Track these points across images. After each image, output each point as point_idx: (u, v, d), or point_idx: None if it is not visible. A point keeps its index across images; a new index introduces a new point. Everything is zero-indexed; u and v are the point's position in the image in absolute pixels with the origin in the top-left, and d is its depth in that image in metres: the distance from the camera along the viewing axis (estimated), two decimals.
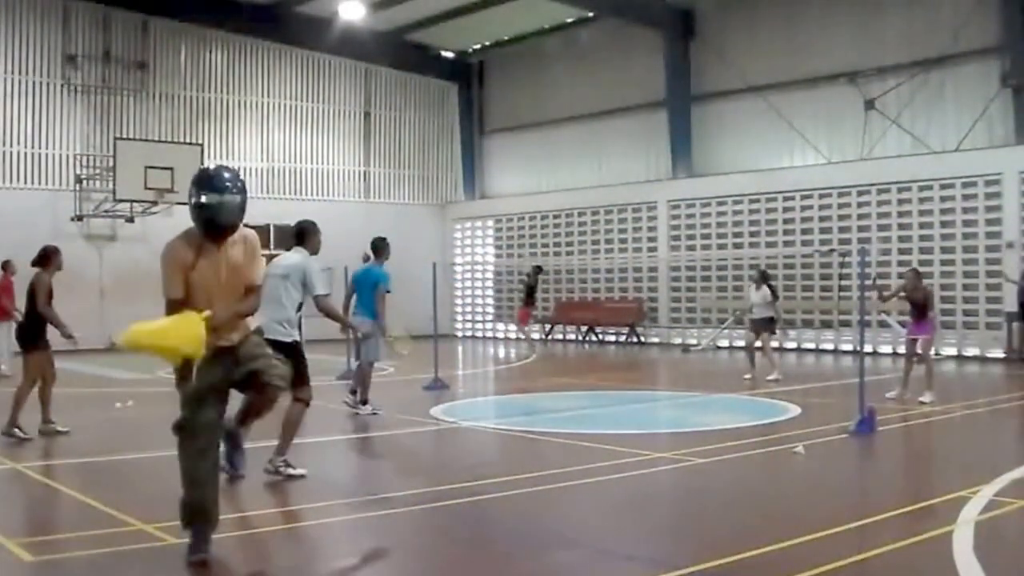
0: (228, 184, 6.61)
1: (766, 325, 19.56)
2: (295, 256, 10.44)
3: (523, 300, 28.93)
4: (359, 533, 7.63)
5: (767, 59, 28.67)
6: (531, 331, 28.93)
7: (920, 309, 15.68)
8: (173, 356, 6.50)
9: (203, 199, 6.53)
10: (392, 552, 7.02)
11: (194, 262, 6.63)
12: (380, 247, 14.63)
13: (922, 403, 14.81)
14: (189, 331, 6.40)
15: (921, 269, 19.44)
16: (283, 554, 6.70)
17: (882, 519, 7.94)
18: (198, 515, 6.60)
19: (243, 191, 6.68)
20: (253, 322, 7.05)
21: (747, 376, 19.25)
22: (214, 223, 6.57)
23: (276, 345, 8.80)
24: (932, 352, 15.93)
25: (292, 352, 9.32)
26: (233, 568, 6.82)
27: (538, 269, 29.58)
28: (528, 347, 27.71)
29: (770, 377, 18.78)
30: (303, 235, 10.66)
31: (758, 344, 19.44)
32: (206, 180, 6.62)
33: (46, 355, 12.59)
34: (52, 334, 12.55)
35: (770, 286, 19.71)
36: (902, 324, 24.79)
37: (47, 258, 12.46)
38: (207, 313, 6.47)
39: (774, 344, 20.37)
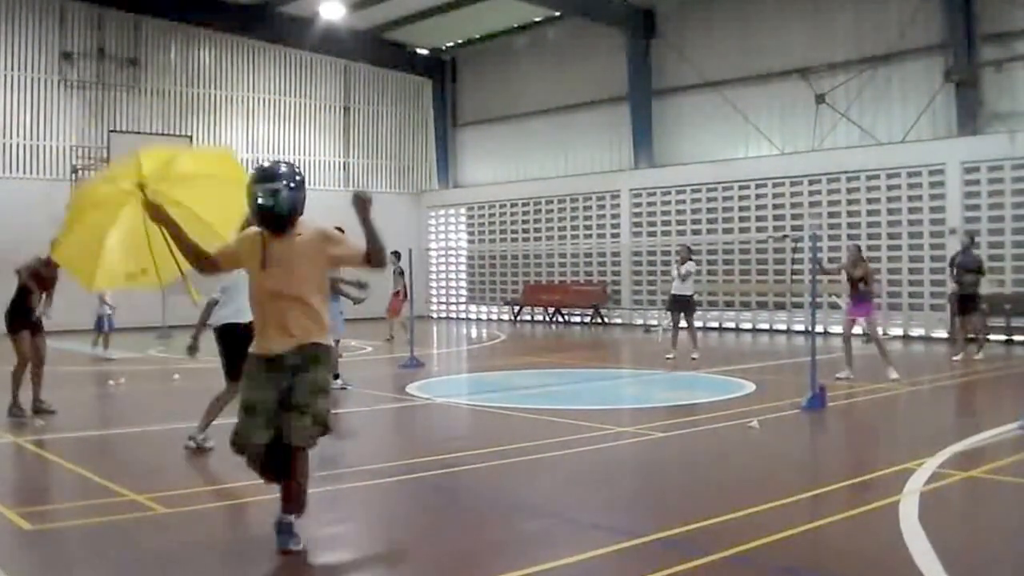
0: (282, 176, 6.03)
1: (687, 304, 19.05)
2: None
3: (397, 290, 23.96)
4: (336, 504, 7.53)
5: (724, 56, 28.62)
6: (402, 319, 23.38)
7: (857, 287, 15.10)
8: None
9: (259, 195, 5.98)
10: (368, 521, 6.93)
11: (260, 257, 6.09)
12: None
13: (893, 380, 14.54)
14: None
15: (869, 254, 19.46)
16: (261, 524, 6.58)
17: (832, 489, 7.92)
18: None
19: (300, 184, 6.09)
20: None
21: (669, 356, 18.73)
22: (271, 217, 6.03)
23: (238, 328, 9.02)
24: (880, 331, 15.65)
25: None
26: (211, 538, 6.71)
27: (397, 256, 23.23)
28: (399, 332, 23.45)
29: (693, 355, 18.54)
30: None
31: (683, 324, 19.05)
32: (260, 175, 6.05)
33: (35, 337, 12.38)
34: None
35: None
36: None
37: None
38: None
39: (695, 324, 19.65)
